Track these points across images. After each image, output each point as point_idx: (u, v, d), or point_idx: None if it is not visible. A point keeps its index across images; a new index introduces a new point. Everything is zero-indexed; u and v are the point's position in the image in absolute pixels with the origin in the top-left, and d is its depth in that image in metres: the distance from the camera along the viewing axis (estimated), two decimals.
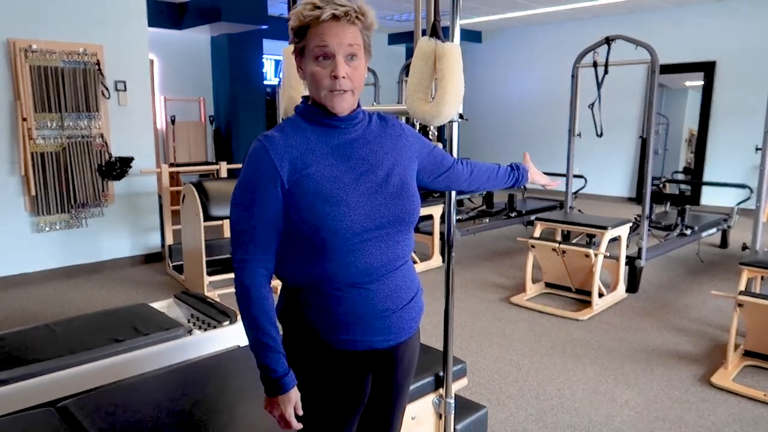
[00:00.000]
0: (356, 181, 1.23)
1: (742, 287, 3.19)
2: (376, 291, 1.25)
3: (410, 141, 1.39)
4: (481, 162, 1.63)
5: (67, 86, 4.63)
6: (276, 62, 8.98)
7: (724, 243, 5.99)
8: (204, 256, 4.27)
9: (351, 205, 1.20)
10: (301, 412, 1.25)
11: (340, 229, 1.19)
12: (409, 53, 10.04)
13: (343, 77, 1.19)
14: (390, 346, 1.31)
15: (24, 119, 4.45)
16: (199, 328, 2.69)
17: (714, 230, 5.64)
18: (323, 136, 1.25)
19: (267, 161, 1.20)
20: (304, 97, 1.30)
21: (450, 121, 1.85)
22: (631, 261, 4.46)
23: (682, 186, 8.45)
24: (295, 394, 1.24)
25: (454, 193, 1.94)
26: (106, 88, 4.86)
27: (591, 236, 5.13)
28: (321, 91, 1.21)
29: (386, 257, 1.26)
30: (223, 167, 5.60)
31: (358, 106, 1.30)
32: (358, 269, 1.22)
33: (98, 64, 4.77)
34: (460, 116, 1.86)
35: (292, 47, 2.16)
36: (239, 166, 6.02)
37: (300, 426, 1.26)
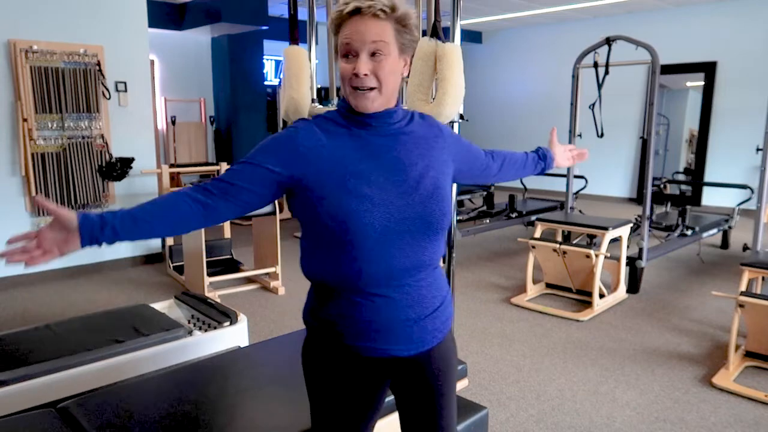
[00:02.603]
0: (385, 179, 1.21)
1: (743, 288, 3.18)
2: (399, 299, 1.22)
3: (448, 143, 1.35)
4: (509, 153, 1.60)
5: (68, 87, 4.63)
6: (276, 63, 8.98)
7: (725, 243, 5.99)
8: (204, 256, 4.27)
9: (375, 201, 1.18)
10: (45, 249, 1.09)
11: (362, 226, 1.16)
12: None
13: (365, 75, 1.17)
14: (412, 354, 1.28)
15: (25, 120, 4.45)
16: (200, 328, 2.69)
17: (715, 231, 5.64)
18: (354, 133, 1.24)
19: (291, 142, 1.20)
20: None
21: (450, 122, 1.85)
22: (631, 261, 4.46)
23: (683, 186, 8.45)
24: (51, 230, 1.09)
25: (454, 193, 1.94)
26: (107, 89, 4.86)
27: (592, 237, 5.12)
28: (346, 88, 1.20)
29: (410, 262, 1.22)
30: (224, 168, 5.61)
31: (397, 104, 1.27)
32: (380, 271, 1.20)
33: (99, 64, 4.77)
34: (461, 117, 1.87)
35: (293, 48, 2.17)
36: None
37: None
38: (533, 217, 5.88)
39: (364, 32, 1.16)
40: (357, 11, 1.16)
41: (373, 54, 1.17)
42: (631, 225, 4.51)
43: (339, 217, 1.16)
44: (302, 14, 3.51)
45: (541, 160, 1.65)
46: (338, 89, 2.58)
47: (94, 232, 1.10)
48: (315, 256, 1.24)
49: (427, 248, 1.25)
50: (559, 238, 4.84)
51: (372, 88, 1.18)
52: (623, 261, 4.36)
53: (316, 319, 1.28)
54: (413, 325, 1.25)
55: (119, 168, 4.90)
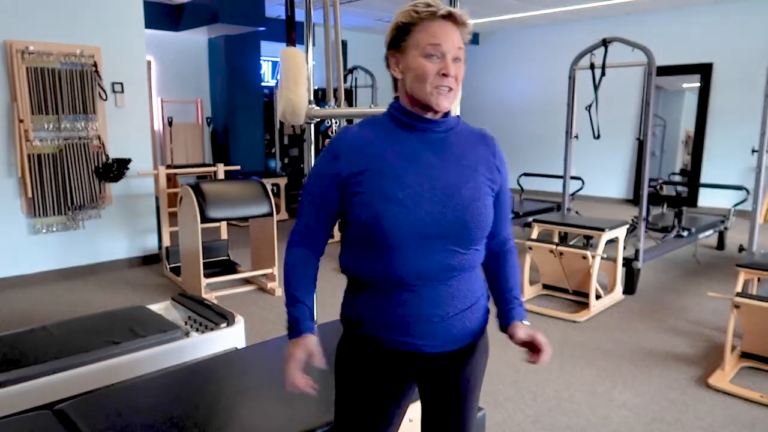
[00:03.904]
0: (420, 184, 1.23)
1: (738, 289, 3.19)
2: (425, 296, 1.25)
3: (501, 170, 1.35)
4: (513, 265, 1.44)
5: (64, 88, 4.62)
6: (274, 64, 8.97)
7: (720, 244, 6.01)
8: (201, 258, 4.26)
9: (407, 205, 1.21)
10: (321, 362, 1.30)
11: (393, 227, 1.20)
12: None
13: (451, 76, 1.22)
14: (438, 352, 1.29)
15: (21, 121, 4.44)
16: (197, 330, 2.69)
17: (711, 232, 5.66)
18: (401, 136, 1.27)
19: (332, 153, 1.28)
20: (395, 98, 1.32)
21: None
22: (628, 262, 4.47)
23: (679, 187, 8.47)
24: (308, 343, 1.29)
25: None
26: (104, 90, 4.85)
27: (588, 238, 5.13)
28: (426, 86, 1.22)
29: (440, 266, 1.24)
30: (221, 169, 5.60)
31: (447, 114, 1.30)
32: (409, 271, 1.23)
33: (95, 65, 4.77)
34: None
35: (290, 49, 2.17)
36: (236, 167, 6.03)
37: (312, 388, 1.29)
38: (530, 219, 5.88)
39: (453, 38, 1.22)
40: (449, 16, 1.21)
41: (455, 59, 1.23)
42: (628, 226, 4.52)
43: (372, 216, 1.22)
44: (299, 15, 3.52)
45: (506, 309, 1.37)
46: (344, 91, 2.58)
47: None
48: (351, 250, 1.30)
49: (459, 254, 1.26)
50: (556, 240, 4.85)
51: (450, 89, 1.24)
52: (620, 262, 4.37)
53: (349, 312, 1.34)
54: (440, 322, 1.27)
55: (116, 169, 4.90)
